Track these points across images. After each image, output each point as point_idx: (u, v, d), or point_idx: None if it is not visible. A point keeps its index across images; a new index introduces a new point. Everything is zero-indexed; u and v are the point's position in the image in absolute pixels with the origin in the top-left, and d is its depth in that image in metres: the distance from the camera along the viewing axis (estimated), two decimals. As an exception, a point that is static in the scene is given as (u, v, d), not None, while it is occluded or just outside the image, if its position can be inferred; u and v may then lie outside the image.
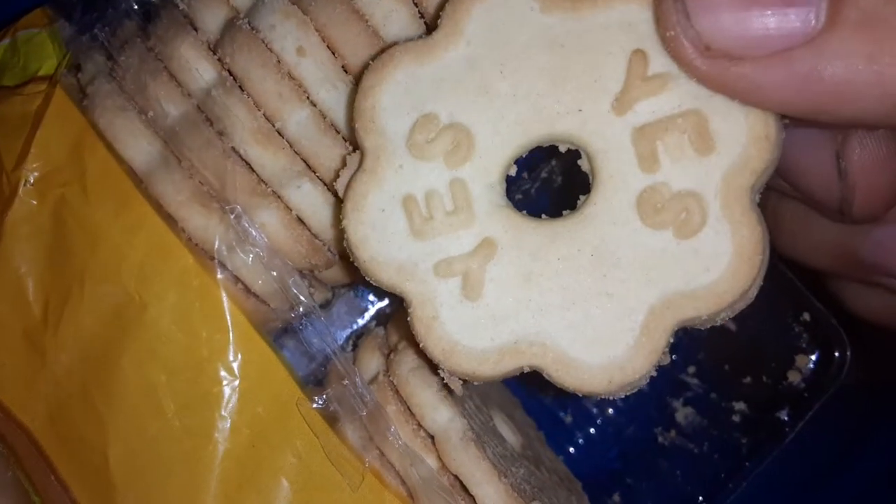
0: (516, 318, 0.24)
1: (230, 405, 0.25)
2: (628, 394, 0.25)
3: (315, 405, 0.27)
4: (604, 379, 0.25)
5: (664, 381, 0.47)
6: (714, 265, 0.24)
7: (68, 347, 0.26)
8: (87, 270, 0.27)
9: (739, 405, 0.45)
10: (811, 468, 0.45)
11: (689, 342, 0.47)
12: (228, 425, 0.25)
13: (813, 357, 0.44)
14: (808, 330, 0.44)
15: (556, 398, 0.47)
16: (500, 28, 0.25)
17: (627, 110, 0.24)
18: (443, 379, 0.27)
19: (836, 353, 0.42)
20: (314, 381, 0.33)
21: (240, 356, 0.26)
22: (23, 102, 0.30)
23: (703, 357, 0.47)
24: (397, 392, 0.31)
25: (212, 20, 0.31)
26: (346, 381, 0.27)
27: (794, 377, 0.44)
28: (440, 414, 0.30)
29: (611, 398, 0.25)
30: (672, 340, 0.24)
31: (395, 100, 0.25)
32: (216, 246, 0.29)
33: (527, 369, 0.25)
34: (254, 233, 0.29)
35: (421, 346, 0.25)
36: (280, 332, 0.34)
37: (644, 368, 0.24)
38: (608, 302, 0.24)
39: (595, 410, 0.47)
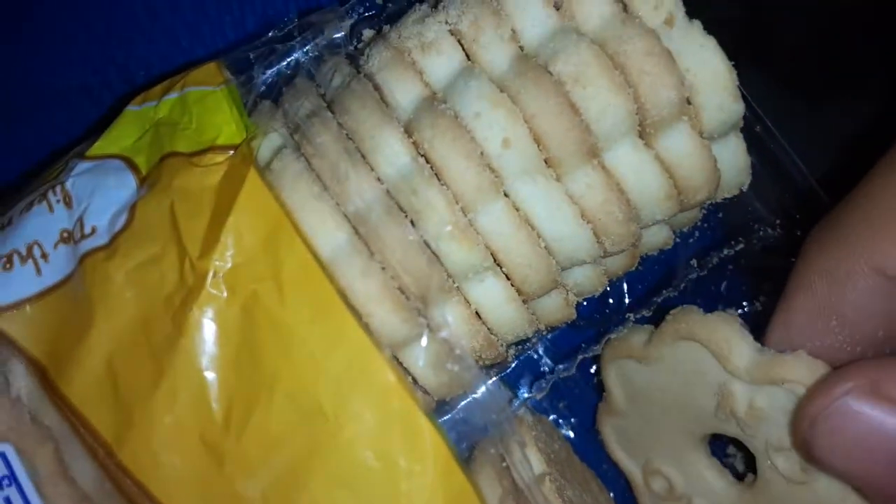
0: None
1: (429, 547, 0.23)
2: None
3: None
4: None
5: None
6: None
7: (251, 459, 0.24)
8: (279, 378, 0.24)
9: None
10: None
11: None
12: (427, 569, 0.23)
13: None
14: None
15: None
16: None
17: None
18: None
19: None
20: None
21: (440, 492, 0.23)
22: (202, 175, 0.28)
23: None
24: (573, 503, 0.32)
25: (404, 97, 0.29)
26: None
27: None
28: None
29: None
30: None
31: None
32: (399, 342, 0.27)
33: None
34: (447, 333, 0.27)
35: None
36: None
37: None
38: None
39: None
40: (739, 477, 0.34)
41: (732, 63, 0.28)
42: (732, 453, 0.38)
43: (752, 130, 0.34)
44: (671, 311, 0.31)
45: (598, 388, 0.37)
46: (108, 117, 0.33)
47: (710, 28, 0.28)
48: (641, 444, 0.35)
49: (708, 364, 0.29)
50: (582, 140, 0.27)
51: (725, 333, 0.29)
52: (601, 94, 0.27)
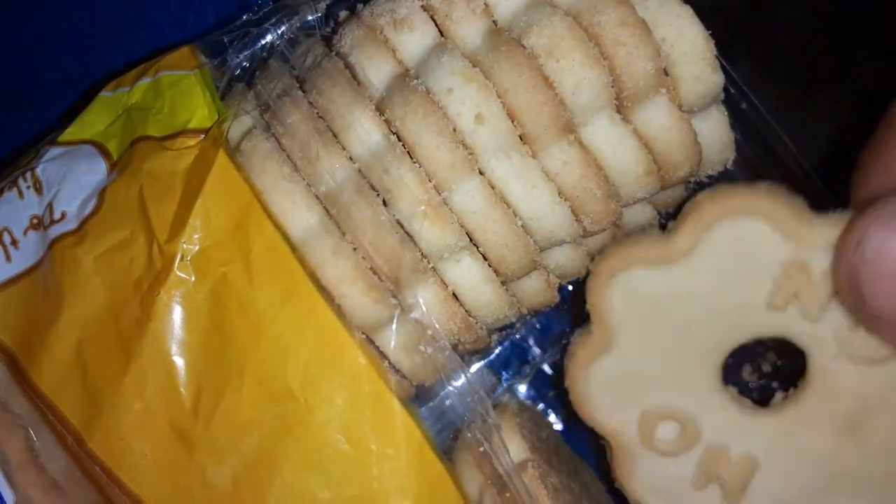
0: None
1: (401, 531, 0.23)
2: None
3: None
4: None
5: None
6: None
7: (221, 445, 0.24)
8: (248, 362, 0.24)
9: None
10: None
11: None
12: (398, 554, 0.22)
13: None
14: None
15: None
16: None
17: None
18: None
19: None
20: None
21: (412, 476, 0.23)
22: (173, 159, 0.27)
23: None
24: (556, 489, 0.30)
25: (377, 75, 0.28)
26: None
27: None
28: None
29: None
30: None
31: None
32: (372, 324, 0.27)
33: None
34: (419, 317, 0.26)
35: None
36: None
37: None
38: None
39: None
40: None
41: (710, 32, 0.27)
42: (750, 380, 0.34)
43: (737, 107, 0.33)
44: (695, 198, 0.26)
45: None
46: (85, 104, 0.32)
47: (705, 17, 0.27)
48: (636, 388, 0.28)
49: (763, 243, 0.24)
50: (556, 115, 0.27)
51: (789, 199, 0.24)
52: (576, 67, 0.26)
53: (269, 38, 0.31)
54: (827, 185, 0.35)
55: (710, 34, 0.27)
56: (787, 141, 0.34)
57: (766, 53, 0.42)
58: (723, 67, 0.28)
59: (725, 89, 0.30)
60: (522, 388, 0.40)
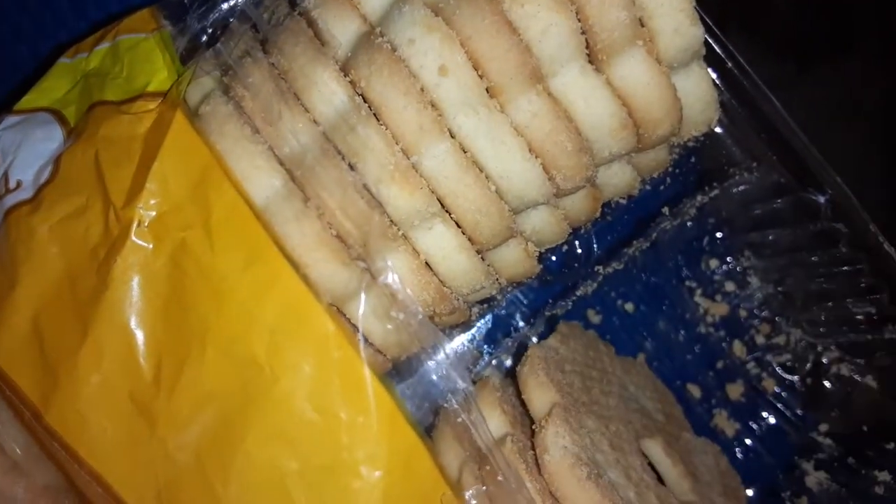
0: None
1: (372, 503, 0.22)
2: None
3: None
4: None
5: (792, 439, 0.42)
6: None
7: (183, 417, 0.23)
8: (210, 330, 0.23)
9: (883, 475, 0.40)
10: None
11: (821, 398, 0.42)
12: (370, 528, 0.21)
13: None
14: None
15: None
16: None
17: None
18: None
19: None
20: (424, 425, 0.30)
21: (384, 444, 0.22)
22: (130, 123, 0.26)
23: (837, 415, 0.42)
24: (536, 464, 0.28)
25: (342, 33, 0.27)
26: (500, 477, 0.23)
27: (950, 449, 0.39)
28: None
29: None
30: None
31: None
32: (340, 294, 0.26)
33: None
34: (389, 282, 0.25)
35: None
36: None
37: None
38: None
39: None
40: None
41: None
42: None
43: (723, 67, 0.32)
44: None
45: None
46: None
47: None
48: None
49: None
50: (522, 62, 0.25)
51: None
52: (542, 12, 0.25)
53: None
54: (824, 156, 0.34)
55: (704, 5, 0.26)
56: (776, 102, 0.33)
57: (760, 31, 0.41)
58: (718, 40, 0.27)
59: (720, 62, 0.29)
60: (508, 362, 0.39)
